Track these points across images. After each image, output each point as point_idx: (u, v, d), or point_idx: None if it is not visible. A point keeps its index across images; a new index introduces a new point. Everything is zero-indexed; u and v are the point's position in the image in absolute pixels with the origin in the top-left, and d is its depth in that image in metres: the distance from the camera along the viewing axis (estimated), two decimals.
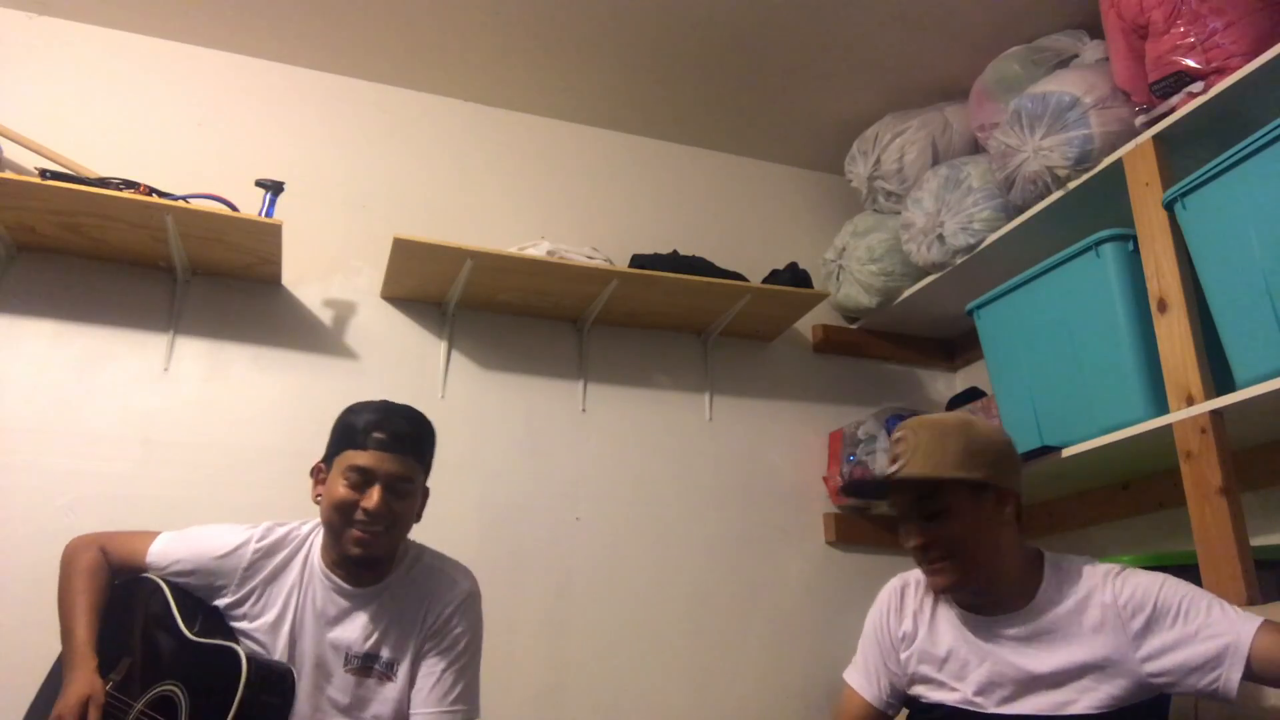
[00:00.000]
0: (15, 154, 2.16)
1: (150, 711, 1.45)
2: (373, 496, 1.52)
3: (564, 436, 2.53)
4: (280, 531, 1.65)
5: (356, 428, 1.57)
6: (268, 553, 1.62)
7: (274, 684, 1.48)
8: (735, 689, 2.43)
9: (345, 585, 1.60)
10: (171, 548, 1.62)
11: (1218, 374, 1.75)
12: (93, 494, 2.08)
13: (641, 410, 2.63)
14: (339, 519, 1.54)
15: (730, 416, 2.72)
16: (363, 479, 1.53)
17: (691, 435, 2.66)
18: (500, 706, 2.19)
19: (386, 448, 1.55)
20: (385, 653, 1.58)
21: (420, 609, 1.62)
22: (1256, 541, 1.68)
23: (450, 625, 1.62)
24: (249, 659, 1.45)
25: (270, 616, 1.58)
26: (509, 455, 2.45)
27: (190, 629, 1.52)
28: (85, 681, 1.43)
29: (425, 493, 1.67)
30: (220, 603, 1.60)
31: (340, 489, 1.54)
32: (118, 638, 1.53)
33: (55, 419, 2.12)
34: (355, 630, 1.58)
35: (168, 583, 1.59)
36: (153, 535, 1.63)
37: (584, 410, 2.58)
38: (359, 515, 1.53)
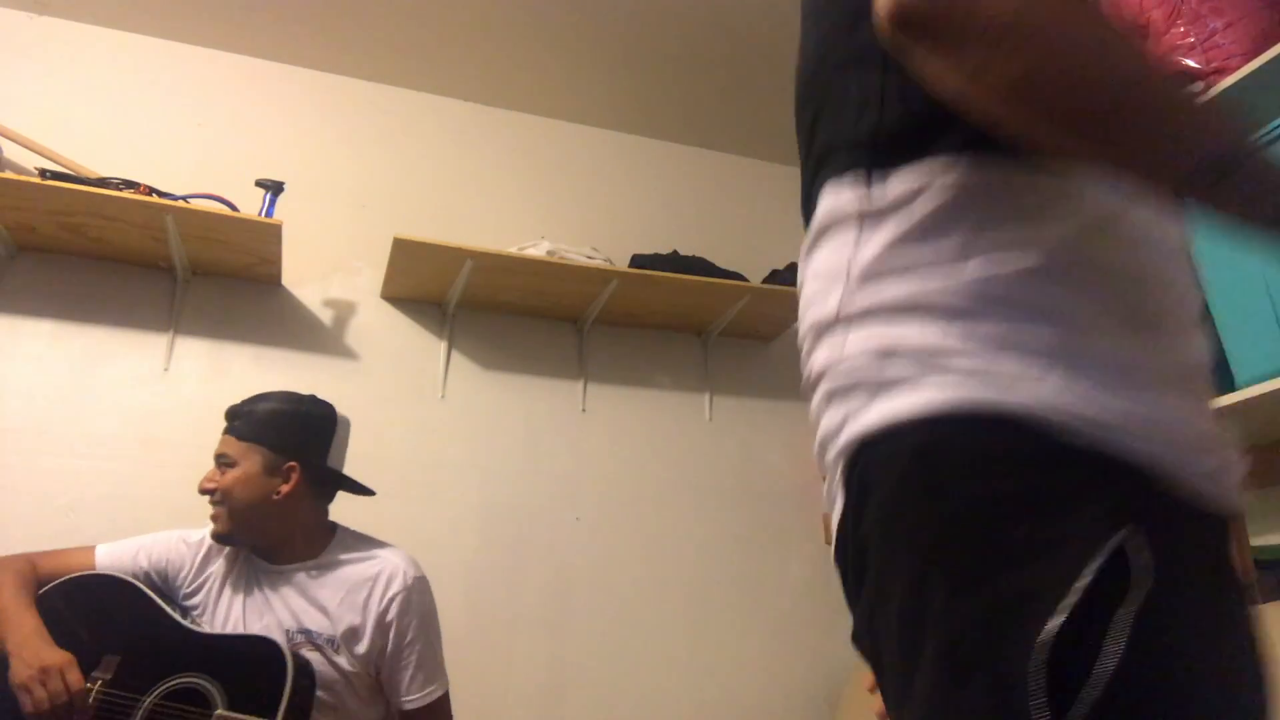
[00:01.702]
0: (15, 154, 2.16)
1: (172, 704, 1.47)
2: (205, 478, 1.67)
3: (564, 436, 2.53)
4: None
5: None
6: (218, 547, 1.71)
7: (306, 669, 1.55)
8: (735, 689, 2.43)
9: (269, 565, 1.69)
10: (129, 549, 1.69)
11: (1218, 374, 1.75)
12: (93, 494, 2.08)
13: (641, 410, 2.63)
14: None
15: (730, 416, 2.72)
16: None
17: (691, 435, 2.66)
18: (500, 706, 2.20)
19: (227, 431, 1.72)
20: (324, 629, 1.64)
21: (360, 592, 1.67)
22: (1256, 541, 1.68)
23: (409, 617, 1.68)
24: (289, 649, 1.53)
25: (224, 601, 1.65)
26: (509, 455, 2.45)
27: (187, 623, 1.59)
28: (49, 653, 1.43)
29: (284, 471, 1.69)
30: (176, 590, 1.68)
31: None
32: (93, 636, 1.52)
33: (55, 419, 2.12)
34: (288, 607, 1.65)
35: (138, 578, 1.63)
36: (89, 548, 1.67)
37: (584, 410, 2.58)
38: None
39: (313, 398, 1.77)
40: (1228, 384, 1.71)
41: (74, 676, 1.41)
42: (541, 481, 2.46)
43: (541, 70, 2.67)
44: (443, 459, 2.36)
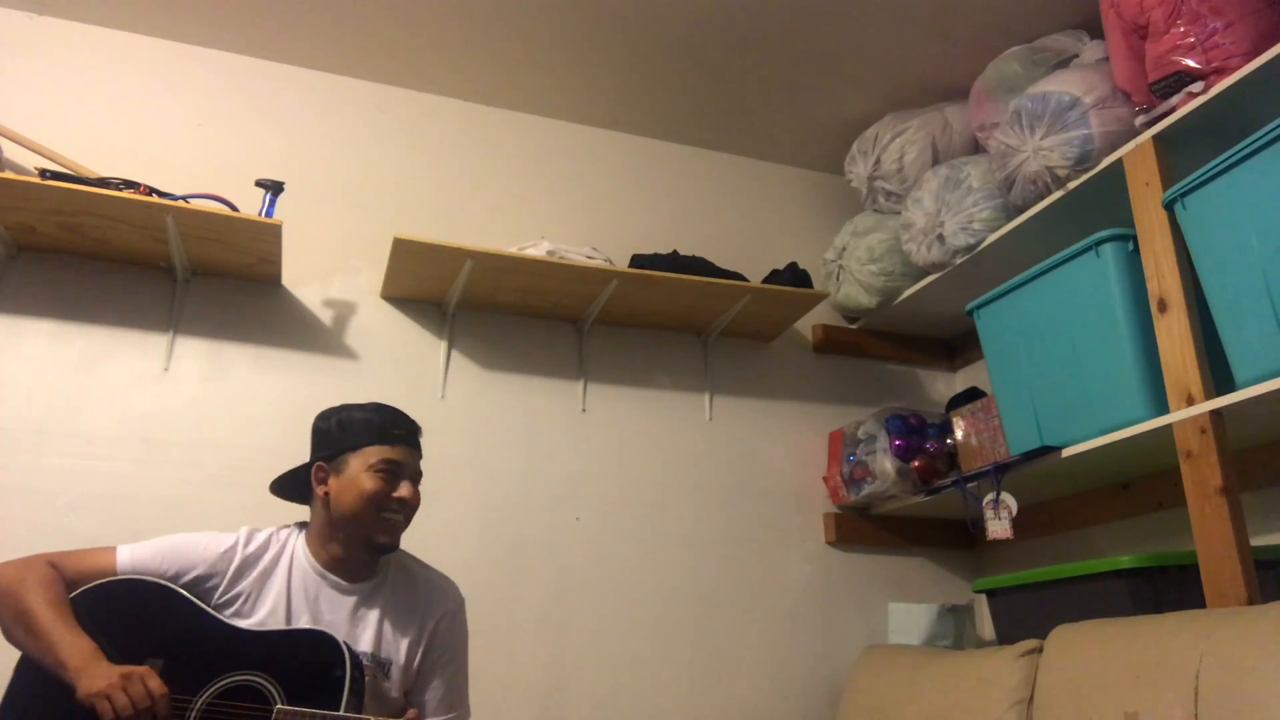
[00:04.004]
0: (15, 154, 2.16)
1: (228, 702, 1.45)
2: (407, 488, 1.64)
3: (564, 436, 2.53)
4: (261, 537, 1.66)
5: (376, 425, 1.66)
6: (256, 555, 1.64)
7: (359, 663, 1.53)
8: (735, 689, 2.43)
9: (343, 582, 1.65)
10: (154, 553, 1.59)
11: (1218, 374, 1.75)
12: (93, 494, 2.08)
13: (641, 410, 2.63)
14: (369, 510, 1.61)
15: (730, 416, 2.72)
16: (394, 472, 1.63)
17: (691, 435, 2.66)
18: (500, 706, 2.20)
19: (409, 443, 1.68)
20: (383, 653, 1.63)
21: (417, 614, 1.68)
22: (1256, 541, 1.67)
23: (452, 637, 1.71)
24: (343, 641, 1.52)
25: (262, 614, 1.59)
26: (509, 455, 2.45)
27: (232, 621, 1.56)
28: (120, 666, 1.38)
29: None
30: (209, 601, 1.60)
31: (371, 482, 1.61)
32: (130, 642, 1.47)
33: (55, 419, 2.12)
34: (356, 629, 1.62)
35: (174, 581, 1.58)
36: (109, 549, 1.58)
37: (584, 410, 2.58)
38: (393, 505, 1.62)
39: None
40: (1228, 384, 1.71)
41: (156, 682, 1.38)
42: (541, 481, 2.46)
43: (541, 70, 2.67)
44: (443, 459, 2.36)
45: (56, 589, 1.48)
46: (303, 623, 1.59)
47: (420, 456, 1.71)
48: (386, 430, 1.65)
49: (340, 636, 1.55)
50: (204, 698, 1.45)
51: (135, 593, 1.55)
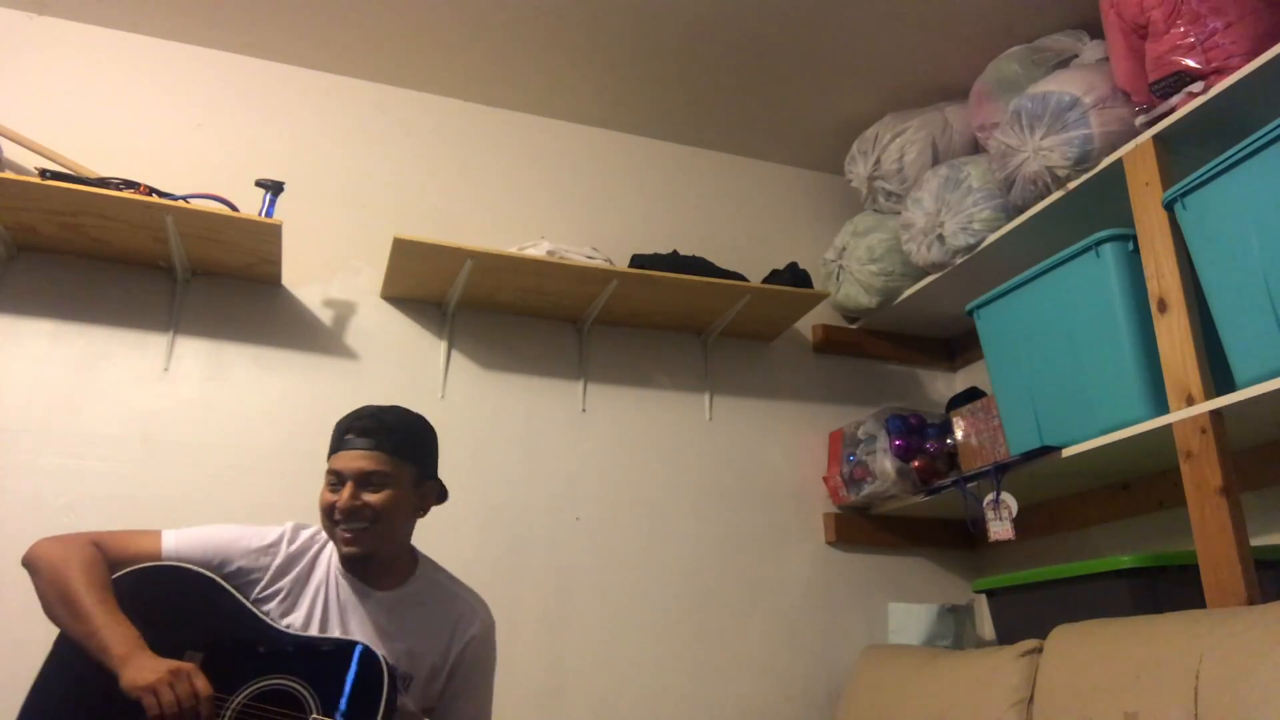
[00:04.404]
0: (15, 154, 2.17)
1: (262, 705, 1.43)
2: (343, 495, 1.56)
3: (564, 436, 2.53)
4: (306, 534, 1.67)
5: (335, 436, 1.63)
6: (299, 554, 1.64)
7: (397, 677, 1.51)
8: (735, 689, 2.43)
9: (370, 590, 1.63)
10: (199, 541, 1.58)
11: (1218, 374, 1.75)
12: (93, 494, 2.08)
13: (641, 410, 2.63)
14: (326, 523, 1.60)
15: (730, 416, 2.72)
16: (338, 480, 1.58)
17: (691, 435, 2.66)
18: (500, 706, 2.19)
19: (353, 446, 1.59)
20: (405, 667, 1.60)
21: (443, 632, 1.65)
22: (1256, 541, 1.68)
23: (480, 663, 1.68)
24: (383, 656, 1.49)
25: (299, 615, 1.59)
26: (509, 455, 2.45)
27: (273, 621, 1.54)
28: (167, 660, 1.37)
29: (434, 488, 1.70)
30: (248, 595, 1.59)
31: (323, 494, 1.60)
32: (171, 630, 1.46)
33: (55, 419, 2.12)
34: (379, 638, 1.60)
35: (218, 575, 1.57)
36: (155, 532, 1.57)
37: (584, 410, 2.58)
38: (336, 515, 1.57)
39: (414, 411, 1.71)
40: (1228, 384, 1.71)
41: (202, 682, 1.36)
42: (541, 481, 2.46)
43: (541, 70, 2.67)
44: (443, 459, 2.35)
45: (100, 571, 1.46)
46: (333, 627, 1.58)
47: (382, 456, 1.58)
48: (339, 437, 1.61)
49: (376, 649, 1.53)
50: (240, 698, 1.44)
51: (179, 581, 1.53)
